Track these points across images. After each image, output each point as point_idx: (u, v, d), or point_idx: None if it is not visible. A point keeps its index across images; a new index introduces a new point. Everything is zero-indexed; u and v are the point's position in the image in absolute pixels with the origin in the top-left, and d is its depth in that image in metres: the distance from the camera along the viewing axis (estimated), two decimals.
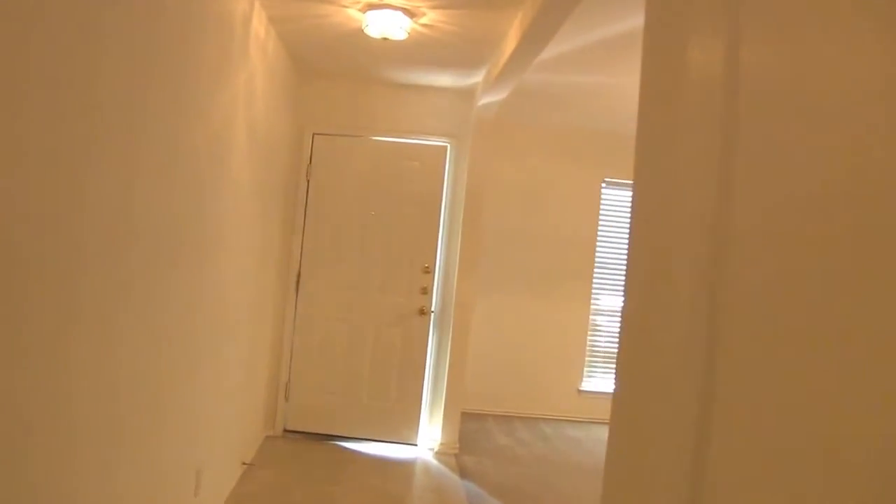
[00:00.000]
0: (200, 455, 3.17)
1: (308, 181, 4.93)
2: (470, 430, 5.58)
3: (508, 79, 3.98)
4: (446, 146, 4.98)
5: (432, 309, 5.01)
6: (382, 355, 4.99)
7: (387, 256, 4.97)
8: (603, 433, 6.30)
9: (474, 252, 5.03)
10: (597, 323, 6.60)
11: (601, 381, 6.61)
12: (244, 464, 4.18)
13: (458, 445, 5.04)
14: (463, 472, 4.66)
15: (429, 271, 4.96)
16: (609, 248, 6.57)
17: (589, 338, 6.56)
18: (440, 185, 4.99)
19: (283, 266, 4.95)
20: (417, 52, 4.11)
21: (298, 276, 4.96)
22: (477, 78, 4.65)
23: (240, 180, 3.45)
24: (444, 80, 4.77)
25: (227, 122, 3.08)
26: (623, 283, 1.35)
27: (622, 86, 4.57)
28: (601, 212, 6.52)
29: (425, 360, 5.01)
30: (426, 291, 4.96)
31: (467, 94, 4.96)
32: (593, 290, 6.56)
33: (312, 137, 4.94)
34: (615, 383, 1.31)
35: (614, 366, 1.32)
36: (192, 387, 2.94)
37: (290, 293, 4.97)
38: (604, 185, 6.50)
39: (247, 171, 3.59)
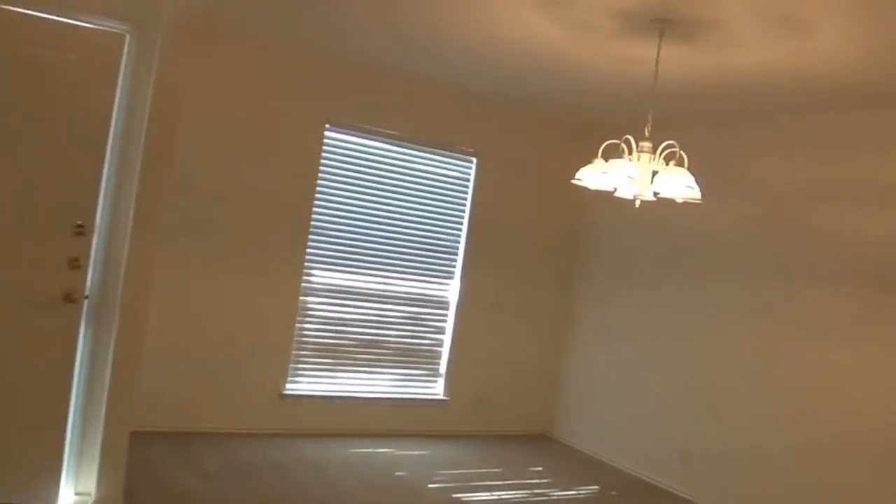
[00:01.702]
0: None
1: None
2: (140, 462, 3.85)
3: None
4: (123, 36, 3.15)
5: (86, 293, 3.17)
6: None
7: (6, 204, 3.00)
8: (315, 453, 4.95)
9: (157, 207, 3.33)
10: (308, 305, 5.26)
11: (309, 381, 5.30)
12: None
13: (121, 499, 3.32)
14: None
15: (83, 232, 3.12)
16: (329, 210, 5.26)
17: (297, 325, 5.19)
18: (109, 97, 3.15)
19: None
20: None
21: None
22: None
23: None
24: None
25: None
26: None
27: None
28: (322, 163, 5.17)
29: (70, 373, 3.17)
30: (77, 265, 3.11)
31: None
32: (306, 264, 5.19)
33: None
34: None
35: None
36: None
37: None
38: (327, 129, 5.17)
39: None
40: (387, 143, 5.45)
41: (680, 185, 3.17)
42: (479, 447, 5.67)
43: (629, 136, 3.44)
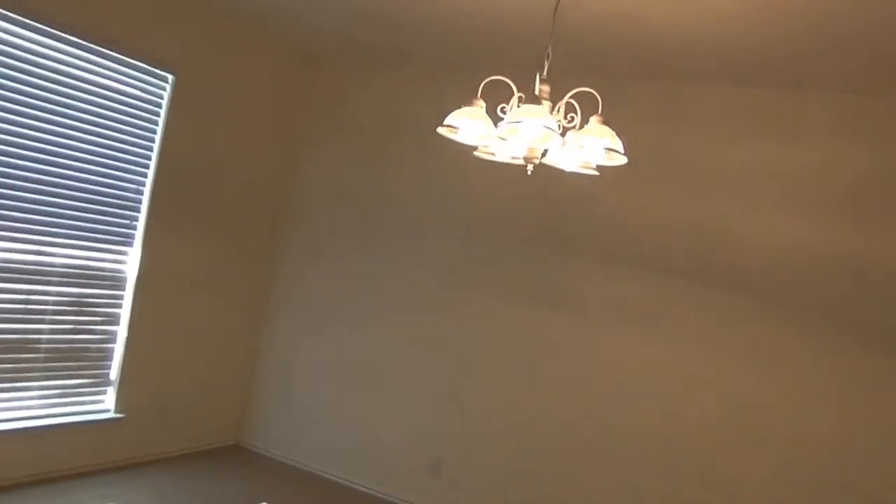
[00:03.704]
0: None
1: None
2: None
3: None
4: None
5: None
6: None
7: None
8: None
9: None
10: None
11: None
12: None
13: None
14: None
15: None
16: None
17: None
18: None
19: None
20: None
21: None
22: None
23: None
24: None
25: None
26: None
27: None
28: None
29: None
30: None
31: None
32: None
33: None
34: None
35: None
36: None
37: None
38: None
39: None
40: (37, 34, 3.47)
41: (601, 148, 2.33)
42: (160, 476, 4.18)
43: (501, 77, 2.47)
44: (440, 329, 4.46)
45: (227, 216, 4.68)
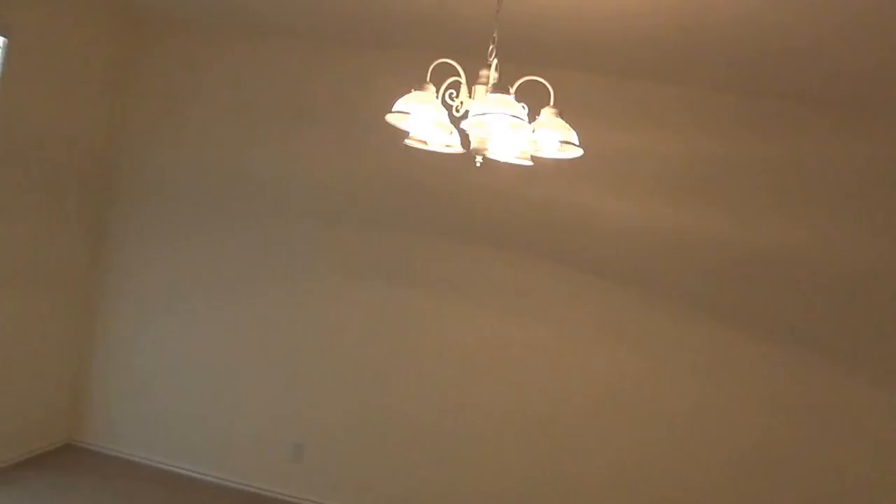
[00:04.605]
0: None
1: None
2: None
3: None
4: None
5: None
6: None
7: None
8: None
9: None
10: None
11: None
12: None
13: None
14: None
15: None
16: None
17: None
18: None
19: None
20: None
21: None
22: None
23: None
24: None
25: None
26: None
27: None
28: None
29: None
30: None
31: None
32: None
33: None
34: None
35: None
36: None
37: None
38: None
39: None
40: None
41: (555, 142, 2.25)
42: None
43: (449, 61, 2.29)
44: (298, 312, 4.23)
45: (47, 195, 4.01)
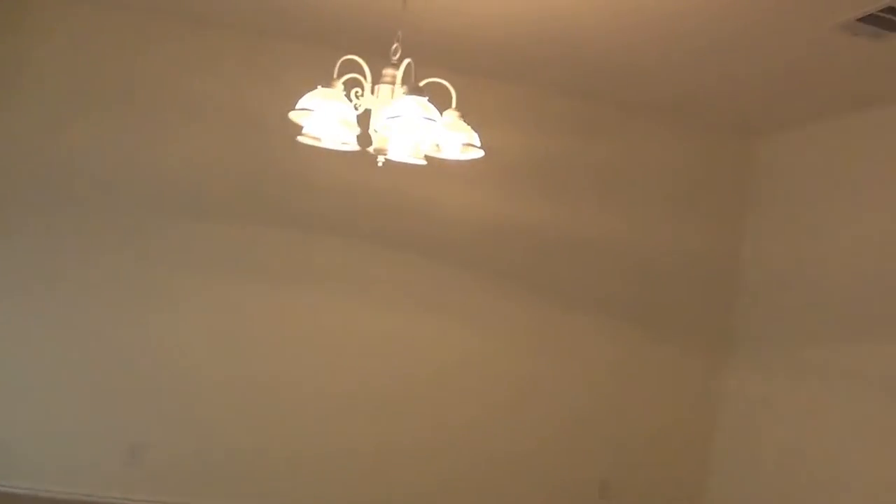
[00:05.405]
0: None
1: None
2: None
3: None
4: None
5: None
6: None
7: None
8: None
9: None
10: None
11: None
12: None
13: None
14: None
15: None
16: None
17: None
18: None
19: None
20: None
21: None
22: None
23: None
24: None
25: None
26: None
27: None
28: None
29: None
30: None
31: None
32: None
33: None
34: None
35: None
36: None
37: None
38: None
39: None
40: None
41: (458, 145, 2.27)
42: None
43: (354, 56, 2.22)
44: (125, 306, 3.88)
45: None
